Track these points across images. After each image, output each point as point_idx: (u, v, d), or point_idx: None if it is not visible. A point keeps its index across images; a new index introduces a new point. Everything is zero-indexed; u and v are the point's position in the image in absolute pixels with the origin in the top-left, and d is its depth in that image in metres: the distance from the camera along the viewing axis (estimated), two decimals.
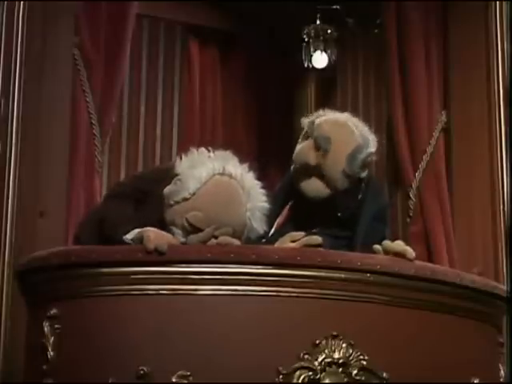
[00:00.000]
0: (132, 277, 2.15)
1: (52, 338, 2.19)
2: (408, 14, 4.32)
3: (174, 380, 2.06)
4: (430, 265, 2.42)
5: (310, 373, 2.08)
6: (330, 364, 2.09)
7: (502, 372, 2.47)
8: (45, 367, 2.19)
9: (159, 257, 2.14)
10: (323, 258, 2.17)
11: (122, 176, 4.76)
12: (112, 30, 3.96)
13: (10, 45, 3.51)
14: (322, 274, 2.15)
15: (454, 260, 4.08)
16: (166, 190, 2.42)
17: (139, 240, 2.22)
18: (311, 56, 5.03)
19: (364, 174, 2.76)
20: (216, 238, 2.31)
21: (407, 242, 2.36)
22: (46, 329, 2.20)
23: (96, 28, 3.91)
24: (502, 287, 2.58)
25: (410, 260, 2.27)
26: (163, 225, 2.38)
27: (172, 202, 2.40)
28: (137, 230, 2.29)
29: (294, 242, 2.42)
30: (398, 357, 2.16)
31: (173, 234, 2.36)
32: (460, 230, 4.15)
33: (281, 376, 2.07)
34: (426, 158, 4.23)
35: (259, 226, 2.44)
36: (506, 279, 3.80)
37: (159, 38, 5.06)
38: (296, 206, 2.81)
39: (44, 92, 3.67)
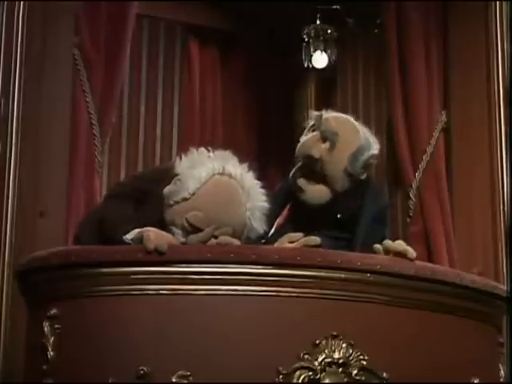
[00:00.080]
0: (132, 277, 2.15)
1: (52, 338, 2.19)
2: (408, 14, 4.32)
3: (173, 380, 2.06)
4: (429, 265, 2.41)
5: (310, 373, 2.08)
6: (330, 364, 2.09)
7: (502, 372, 2.47)
8: (45, 367, 2.18)
9: (159, 257, 2.14)
10: (323, 257, 2.17)
11: (122, 176, 4.76)
12: (112, 30, 3.96)
13: (9, 45, 3.51)
14: (322, 274, 2.15)
15: (454, 260, 4.08)
16: (166, 190, 2.42)
17: (139, 240, 2.22)
18: (311, 56, 5.03)
19: (364, 176, 2.76)
20: (216, 237, 2.31)
21: (407, 242, 2.35)
22: (46, 329, 2.20)
23: (96, 28, 3.91)
24: (502, 287, 2.57)
25: (411, 260, 2.27)
26: (163, 225, 2.38)
27: (172, 202, 2.40)
28: (137, 230, 2.29)
29: (292, 242, 2.42)
30: (398, 357, 2.16)
31: (173, 234, 2.36)
32: (460, 230, 4.15)
33: (281, 376, 2.07)
34: (425, 157, 4.23)
35: (259, 226, 2.44)
36: (506, 279, 3.80)
37: (159, 38, 5.06)
38: (295, 207, 2.81)
39: (44, 92, 3.67)
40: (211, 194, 2.38)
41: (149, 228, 2.27)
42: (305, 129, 2.84)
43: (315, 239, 2.37)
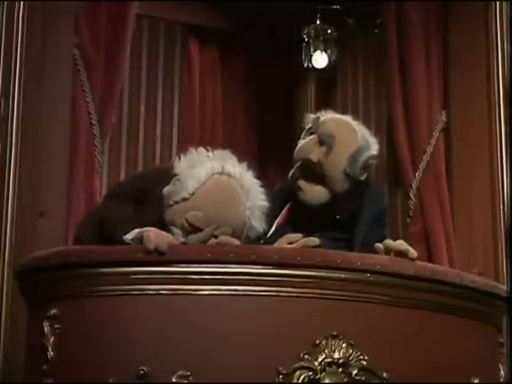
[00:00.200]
0: (132, 277, 2.15)
1: (52, 338, 2.19)
2: (408, 14, 4.32)
3: (173, 380, 2.06)
4: (430, 265, 2.41)
5: (310, 373, 2.08)
6: (330, 364, 2.09)
7: (502, 372, 2.46)
8: (45, 367, 2.18)
9: (159, 257, 2.14)
10: (323, 258, 2.17)
11: (122, 176, 4.76)
12: (112, 30, 3.96)
13: (10, 45, 3.51)
14: (322, 274, 2.15)
15: (454, 260, 4.08)
16: (165, 190, 2.42)
17: (139, 240, 2.22)
18: (311, 56, 5.03)
19: (364, 177, 2.76)
20: (216, 237, 2.31)
21: (407, 242, 2.35)
22: (46, 329, 2.20)
23: (96, 28, 3.91)
24: (502, 287, 2.57)
25: (412, 260, 2.27)
26: (163, 225, 2.38)
27: (171, 202, 2.40)
28: (137, 230, 2.28)
29: (291, 243, 2.42)
30: (398, 357, 2.16)
31: (173, 234, 2.35)
32: (460, 230, 4.15)
33: (281, 376, 2.06)
34: (425, 158, 4.23)
35: (259, 225, 2.44)
36: (506, 279, 3.80)
37: (159, 38, 5.06)
38: (295, 208, 2.81)
39: (44, 92, 3.67)
40: (211, 193, 2.38)
41: (149, 228, 2.27)
42: (303, 131, 2.84)
43: (314, 240, 2.37)
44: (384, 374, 2.12)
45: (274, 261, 2.14)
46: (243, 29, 5.15)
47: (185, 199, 2.38)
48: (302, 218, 2.73)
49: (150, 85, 4.99)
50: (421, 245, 4.09)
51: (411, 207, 4.26)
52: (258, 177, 2.48)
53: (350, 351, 2.11)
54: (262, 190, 2.46)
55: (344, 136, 2.73)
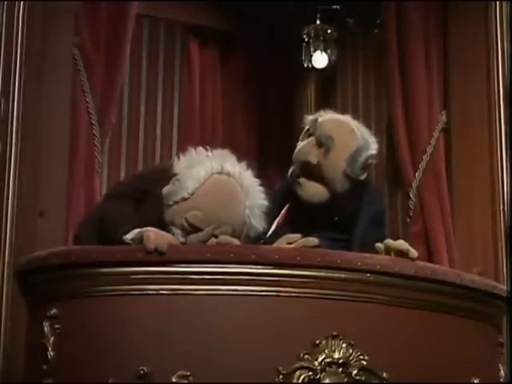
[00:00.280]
0: (132, 277, 2.15)
1: (52, 338, 2.19)
2: (408, 14, 4.32)
3: (173, 380, 2.06)
4: (430, 265, 2.41)
5: (310, 373, 2.08)
6: (330, 364, 2.09)
7: (502, 372, 2.46)
8: (45, 367, 2.18)
9: (159, 257, 2.14)
10: (323, 258, 2.17)
11: (122, 176, 4.76)
12: (112, 30, 3.96)
13: (10, 45, 3.51)
14: (322, 274, 2.15)
15: (454, 260, 4.08)
16: (165, 190, 2.42)
17: (139, 240, 2.22)
18: (311, 56, 5.03)
19: (364, 176, 2.76)
20: (216, 237, 2.31)
21: (407, 242, 2.35)
22: (46, 329, 2.20)
23: (96, 28, 3.91)
24: (502, 287, 2.57)
25: (412, 259, 2.27)
26: (163, 225, 2.38)
27: (171, 202, 2.40)
28: (137, 230, 2.28)
29: (290, 243, 2.42)
30: (398, 357, 2.16)
31: (172, 234, 2.35)
32: (460, 230, 4.15)
33: (281, 376, 2.06)
34: (425, 158, 4.23)
35: (258, 224, 2.44)
36: (506, 279, 3.80)
37: (159, 38, 5.06)
38: (294, 208, 2.81)
39: (44, 92, 3.68)
40: (210, 193, 2.38)
41: (149, 228, 2.27)
42: (302, 131, 2.83)
43: (313, 240, 2.37)
44: (384, 374, 2.12)
45: (274, 261, 2.14)
46: (243, 29, 5.15)
47: (184, 199, 2.38)
48: (301, 218, 2.73)
49: (150, 85, 4.99)
50: (421, 245, 4.09)
51: (411, 207, 4.26)
52: (258, 177, 2.48)
53: (350, 351, 2.11)
54: (261, 188, 2.46)
55: (342, 137, 2.72)
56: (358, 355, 2.11)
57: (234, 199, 2.40)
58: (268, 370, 2.06)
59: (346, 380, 2.09)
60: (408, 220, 4.29)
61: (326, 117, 2.78)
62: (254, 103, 5.28)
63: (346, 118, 2.81)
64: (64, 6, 3.76)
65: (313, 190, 2.72)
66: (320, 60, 5.03)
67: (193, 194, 2.38)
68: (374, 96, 4.94)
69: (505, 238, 3.89)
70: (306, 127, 2.80)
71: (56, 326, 2.20)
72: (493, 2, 4.06)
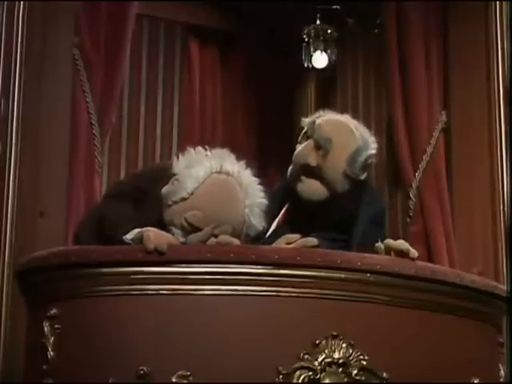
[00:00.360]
0: (132, 277, 2.15)
1: (52, 338, 2.19)
2: (408, 14, 4.32)
3: (173, 380, 2.06)
4: (430, 265, 2.41)
5: (310, 373, 2.08)
6: (330, 364, 2.09)
7: (502, 372, 2.46)
8: (45, 367, 2.18)
9: (159, 257, 2.14)
10: (323, 258, 2.17)
11: (122, 176, 4.75)
12: (112, 30, 3.96)
13: (10, 45, 3.51)
14: (322, 273, 2.15)
15: (454, 260, 4.08)
16: (164, 190, 2.42)
17: (139, 240, 2.22)
18: (311, 56, 5.03)
19: (364, 176, 2.76)
20: (216, 236, 2.31)
21: (407, 242, 2.35)
22: (46, 329, 2.20)
23: (96, 28, 3.91)
24: (502, 287, 2.57)
25: (413, 259, 2.27)
26: (163, 225, 2.38)
27: (170, 202, 2.40)
28: (137, 230, 2.28)
29: (289, 244, 2.42)
30: (398, 357, 2.16)
31: (172, 233, 2.35)
32: (460, 230, 4.15)
33: (281, 376, 2.06)
34: (425, 158, 4.24)
35: (258, 223, 2.44)
36: (506, 279, 3.80)
37: (159, 38, 5.06)
38: (293, 208, 2.81)
39: (44, 92, 3.68)
40: (209, 192, 2.38)
41: (149, 228, 2.27)
42: (300, 134, 2.83)
43: (312, 240, 2.37)
44: (384, 374, 2.12)
45: (274, 261, 2.14)
46: (243, 29, 5.15)
47: (184, 199, 2.38)
48: (301, 218, 2.73)
49: (150, 85, 4.99)
50: (421, 245, 4.09)
51: (411, 207, 4.26)
52: (258, 176, 2.48)
53: (350, 351, 2.11)
54: (260, 187, 2.46)
55: (341, 138, 2.72)
56: (358, 355, 2.11)
57: (233, 198, 2.40)
58: (268, 370, 2.06)
59: (345, 380, 2.09)
60: (408, 220, 4.29)
61: (324, 118, 2.78)
62: (254, 103, 5.28)
63: (345, 119, 2.81)
64: (64, 6, 3.76)
65: (313, 188, 2.72)
66: (320, 60, 5.03)
67: (192, 193, 2.38)
68: (374, 96, 4.94)
69: (505, 238, 3.89)
70: (304, 129, 2.80)
71: (56, 325, 2.20)
72: (493, 2, 4.06)
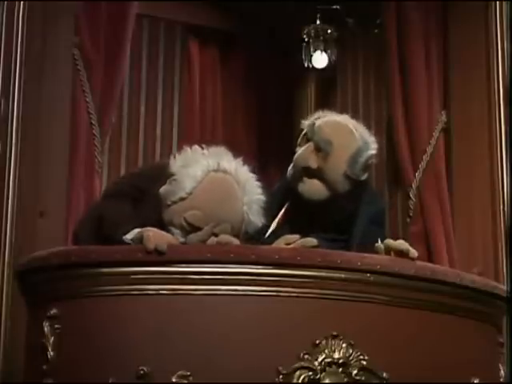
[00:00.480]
0: (132, 277, 2.15)
1: (52, 338, 2.19)
2: (408, 14, 4.32)
3: (173, 380, 2.06)
4: (430, 265, 2.41)
5: (310, 373, 2.08)
6: (330, 364, 2.09)
7: (502, 372, 2.46)
8: (45, 367, 2.18)
9: (159, 257, 2.14)
10: (323, 258, 2.17)
11: None
12: (112, 30, 3.96)
13: (10, 45, 3.51)
14: (322, 273, 2.15)
15: (454, 260, 4.08)
16: (162, 190, 2.42)
17: (139, 240, 2.22)
18: (311, 56, 5.03)
19: (365, 177, 2.76)
20: (216, 235, 2.31)
21: (407, 242, 2.35)
22: (46, 329, 2.20)
23: (96, 28, 3.91)
24: (502, 287, 2.57)
25: (413, 259, 2.27)
26: (162, 224, 2.37)
27: (169, 202, 2.40)
28: (136, 230, 2.28)
29: (289, 244, 2.42)
30: (398, 357, 2.16)
31: (172, 233, 2.35)
32: (460, 230, 4.15)
33: (281, 376, 2.06)
34: (425, 157, 4.24)
35: (257, 219, 2.44)
36: (506, 279, 3.80)
37: (159, 38, 5.06)
38: (293, 208, 2.81)
39: (44, 92, 3.68)
40: (208, 191, 2.38)
41: (149, 228, 2.26)
42: (299, 135, 2.83)
43: (312, 241, 2.37)
44: (384, 374, 2.12)
45: (274, 261, 2.14)
46: (243, 29, 5.15)
47: (182, 199, 2.38)
48: (301, 218, 2.73)
49: (150, 85, 4.99)
50: (421, 245, 4.09)
51: (411, 207, 4.26)
52: (258, 177, 2.48)
53: (350, 351, 2.11)
54: (258, 184, 2.46)
55: (341, 139, 2.72)
56: (358, 355, 2.11)
57: (231, 197, 2.40)
58: (268, 370, 2.06)
59: (345, 380, 2.09)
60: (408, 220, 4.29)
61: (324, 120, 2.77)
62: (254, 103, 5.28)
63: (344, 119, 2.80)
64: (64, 6, 3.76)
65: (314, 188, 2.72)
66: (320, 60, 5.03)
67: (191, 193, 2.38)
68: (374, 96, 4.94)
69: (505, 238, 3.89)
70: (304, 131, 2.80)
71: (56, 326, 2.20)
72: (493, 2, 4.06)
